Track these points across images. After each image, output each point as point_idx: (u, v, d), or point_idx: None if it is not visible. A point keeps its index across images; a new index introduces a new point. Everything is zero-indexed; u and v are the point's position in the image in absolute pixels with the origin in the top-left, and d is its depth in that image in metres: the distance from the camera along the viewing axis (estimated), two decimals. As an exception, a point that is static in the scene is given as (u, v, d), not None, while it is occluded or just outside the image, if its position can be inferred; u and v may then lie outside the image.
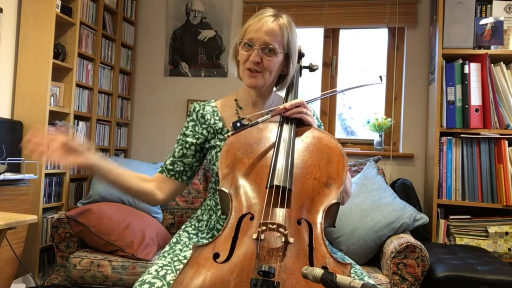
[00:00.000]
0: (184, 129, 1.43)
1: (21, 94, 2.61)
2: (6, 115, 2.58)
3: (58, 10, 2.63)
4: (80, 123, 2.95)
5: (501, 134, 2.55)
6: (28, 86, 2.60)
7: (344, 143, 3.26)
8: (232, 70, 1.46)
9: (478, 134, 2.57)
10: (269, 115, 1.26)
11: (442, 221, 2.61)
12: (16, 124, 2.54)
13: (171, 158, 1.40)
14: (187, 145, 1.40)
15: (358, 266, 1.28)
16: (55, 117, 2.75)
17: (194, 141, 1.40)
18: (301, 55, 1.48)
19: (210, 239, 1.32)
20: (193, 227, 1.40)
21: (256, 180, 1.15)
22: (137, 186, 1.33)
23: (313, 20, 3.22)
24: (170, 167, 1.39)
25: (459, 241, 2.56)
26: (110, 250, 2.31)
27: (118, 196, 2.70)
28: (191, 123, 1.43)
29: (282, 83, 1.42)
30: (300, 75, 1.46)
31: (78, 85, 2.89)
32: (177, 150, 1.40)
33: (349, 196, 1.34)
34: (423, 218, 2.29)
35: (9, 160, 2.26)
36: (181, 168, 1.40)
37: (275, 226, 1.00)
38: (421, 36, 3.09)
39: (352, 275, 1.17)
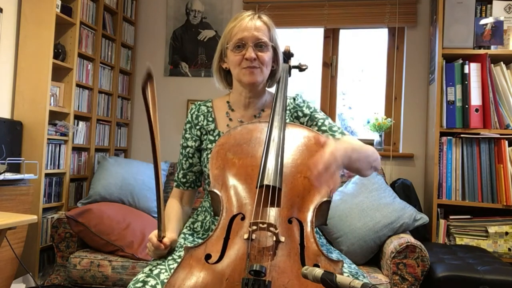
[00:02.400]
0: (184, 132, 1.46)
1: (21, 94, 2.61)
2: (6, 115, 2.58)
3: (58, 10, 2.63)
4: (80, 123, 2.95)
5: (501, 134, 2.54)
6: (28, 86, 2.60)
7: (344, 143, 3.25)
8: (217, 84, 1.48)
9: (478, 134, 2.57)
10: None
11: (442, 221, 2.61)
12: (16, 124, 2.54)
13: (181, 171, 1.44)
14: (191, 154, 1.43)
15: (354, 265, 1.28)
16: (55, 117, 2.75)
17: (194, 144, 1.43)
18: (290, 55, 1.49)
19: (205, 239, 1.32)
20: (188, 228, 1.42)
21: (246, 180, 1.16)
22: (185, 220, 1.44)
23: (313, 20, 3.22)
24: (184, 180, 1.44)
25: (459, 241, 2.56)
26: (110, 250, 2.32)
27: (118, 196, 2.70)
28: (188, 125, 1.46)
29: (272, 78, 1.45)
30: (290, 75, 1.47)
31: (78, 85, 2.89)
32: (183, 161, 1.44)
33: (373, 165, 1.22)
34: (423, 218, 2.29)
35: (9, 160, 2.27)
36: (193, 178, 1.45)
37: (265, 225, 1.00)
38: (421, 36, 3.09)
39: (346, 274, 1.17)
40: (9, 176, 2.20)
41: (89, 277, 2.25)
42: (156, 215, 2.74)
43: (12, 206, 2.18)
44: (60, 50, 2.72)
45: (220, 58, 1.43)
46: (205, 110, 1.45)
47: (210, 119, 1.43)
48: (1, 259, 2.10)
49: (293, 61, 1.52)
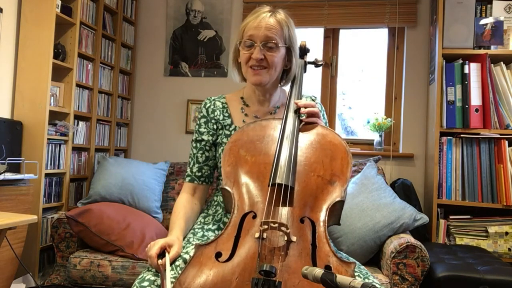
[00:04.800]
0: (197, 127, 1.43)
1: (21, 94, 2.60)
2: (6, 115, 2.58)
3: (58, 10, 2.63)
4: (80, 123, 2.95)
5: (501, 134, 2.54)
6: (28, 86, 2.60)
7: (344, 143, 3.25)
8: (234, 76, 1.46)
9: (478, 134, 2.57)
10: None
11: (442, 221, 2.61)
12: (16, 124, 2.54)
13: (196, 165, 1.41)
14: (207, 147, 1.41)
15: (362, 266, 1.27)
16: (55, 117, 2.75)
17: (210, 138, 1.41)
18: (306, 51, 1.46)
19: (215, 230, 1.30)
20: (198, 223, 1.39)
21: (259, 178, 1.14)
22: (195, 218, 1.39)
23: (313, 20, 3.22)
24: (199, 174, 1.41)
25: (459, 241, 2.56)
26: (110, 250, 2.31)
27: (118, 196, 2.70)
28: (203, 120, 1.43)
29: (286, 78, 1.43)
30: (305, 71, 1.45)
31: (78, 85, 2.89)
32: (199, 155, 1.41)
33: None
34: (423, 218, 2.29)
35: (9, 160, 2.26)
36: (209, 172, 1.42)
37: (277, 225, 0.99)
38: (421, 36, 3.09)
39: (356, 274, 1.16)
40: (9, 176, 2.19)
41: (89, 277, 2.25)
42: (155, 215, 2.74)
43: (12, 206, 2.18)
44: (60, 50, 2.72)
45: (236, 52, 1.41)
46: (220, 106, 1.44)
47: (226, 114, 1.42)
48: (1, 259, 2.10)
49: (309, 57, 1.48)
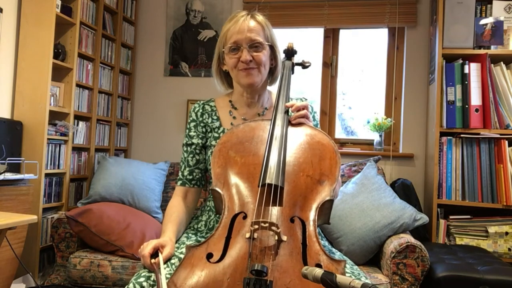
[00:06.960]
0: (187, 131, 1.46)
1: (21, 94, 2.61)
2: (6, 115, 2.58)
3: (58, 10, 2.63)
4: (80, 123, 2.95)
5: (501, 134, 2.54)
6: (28, 86, 2.60)
7: (344, 143, 3.26)
8: (217, 86, 1.50)
9: (478, 134, 2.57)
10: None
11: (442, 221, 2.61)
12: (16, 124, 2.54)
13: (187, 168, 1.42)
14: (197, 150, 1.43)
15: (355, 266, 1.28)
16: (55, 117, 2.75)
17: (200, 141, 1.43)
18: (293, 52, 1.48)
19: None
20: (191, 228, 1.42)
21: (248, 178, 1.15)
22: (187, 221, 1.40)
23: (313, 20, 3.22)
24: (190, 177, 1.42)
25: (459, 241, 2.56)
26: (110, 250, 2.32)
27: (118, 196, 2.70)
28: (192, 123, 1.46)
29: (272, 76, 1.45)
30: (293, 72, 1.46)
31: (78, 85, 2.89)
32: (189, 158, 1.43)
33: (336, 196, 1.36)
34: (423, 218, 2.29)
35: (9, 160, 2.26)
36: (200, 175, 1.44)
37: (267, 224, 1.00)
38: (421, 36, 3.09)
39: (348, 274, 1.17)
40: (9, 176, 2.20)
41: (89, 277, 2.25)
42: (155, 215, 2.74)
43: (12, 206, 2.18)
44: (60, 50, 2.72)
45: (219, 61, 1.44)
46: (209, 109, 1.47)
47: (215, 117, 1.44)
48: (1, 259, 2.10)
49: (296, 58, 1.50)
